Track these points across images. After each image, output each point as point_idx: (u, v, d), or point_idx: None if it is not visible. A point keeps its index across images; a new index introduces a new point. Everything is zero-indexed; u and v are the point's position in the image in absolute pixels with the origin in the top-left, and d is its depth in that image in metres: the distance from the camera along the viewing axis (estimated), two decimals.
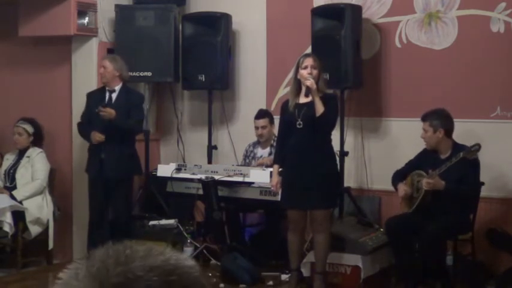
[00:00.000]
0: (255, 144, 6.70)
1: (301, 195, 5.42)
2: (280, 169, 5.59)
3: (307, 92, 5.40)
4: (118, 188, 6.28)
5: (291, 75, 6.78)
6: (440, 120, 5.57)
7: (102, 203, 6.35)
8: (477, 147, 5.32)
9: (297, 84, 5.47)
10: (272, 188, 5.75)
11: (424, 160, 5.66)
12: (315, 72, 5.37)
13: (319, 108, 5.29)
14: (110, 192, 6.29)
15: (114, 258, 0.96)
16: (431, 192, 5.49)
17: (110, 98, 6.28)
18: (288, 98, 5.61)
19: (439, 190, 5.43)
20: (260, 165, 6.36)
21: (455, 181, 5.36)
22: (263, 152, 6.56)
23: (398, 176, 5.75)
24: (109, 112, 6.09)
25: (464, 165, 5.35)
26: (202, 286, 1.00)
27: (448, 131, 5.59)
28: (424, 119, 5.64)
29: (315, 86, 5.29)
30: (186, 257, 1.02)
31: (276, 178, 5.59)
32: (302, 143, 5.40)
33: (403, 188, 5.65)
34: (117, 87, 6.30)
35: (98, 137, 6.14)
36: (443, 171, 5.38)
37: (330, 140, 5.52)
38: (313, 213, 5.49)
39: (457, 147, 5.53)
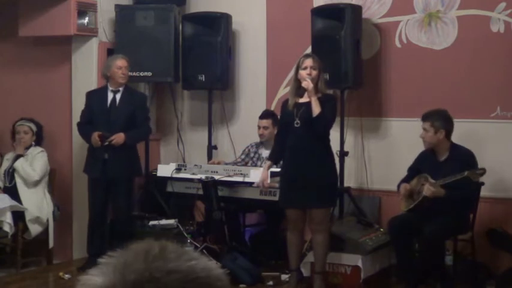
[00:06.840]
0: (259, 145, 6.68)
1: (299, 194, 5.42)
2: (274, 166, 5.66)
3: (302, 93, 5.42)
4: (120, 188, 6.28)
5: (291, 75, 6.83)
6: (442, 121, 5.56)
7: (103, 203, 6.34)
8: (482, 171, 5.30)
9: (297, 84, 5.47)
10: (259, 185, 5.80)
11: (423, 164, 5.66)
12: (314, 73, 5.38)
13: (316, 109, 5.30)
14: (111, 192, 6.30)
15: (143, 254, 0.93)
16: (430, 199, 5.49)
17: (114, 98, 6.27)
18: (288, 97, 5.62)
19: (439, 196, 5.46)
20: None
21: (452, 187, 5.35)
22: (268, 153, 6.51)
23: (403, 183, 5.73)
24: (118, 139, 6.11)
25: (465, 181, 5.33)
26: None
27: (449, 132, 5.59)
28: (425, 118, 5.61)
29: (311, 86, 5.30)
30: (216, 267, 0.97)
31: (265, 174, 5.70)
32: (299, 142, 5.41)
33: (404, 186, 5.65)
34: (121, 88, 6.31)
35: (96, 141, 6.12)
36: (446, 183, 5.36)
37: (328, 140, 5.52)
38: (311, 212, 5.49)
39: (454, 148, 5.55)
